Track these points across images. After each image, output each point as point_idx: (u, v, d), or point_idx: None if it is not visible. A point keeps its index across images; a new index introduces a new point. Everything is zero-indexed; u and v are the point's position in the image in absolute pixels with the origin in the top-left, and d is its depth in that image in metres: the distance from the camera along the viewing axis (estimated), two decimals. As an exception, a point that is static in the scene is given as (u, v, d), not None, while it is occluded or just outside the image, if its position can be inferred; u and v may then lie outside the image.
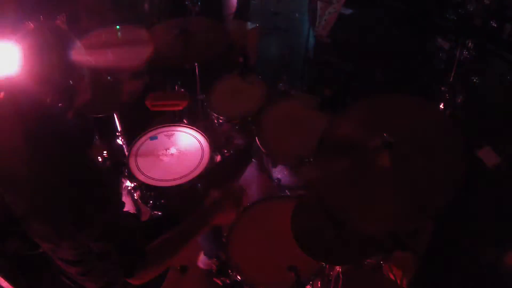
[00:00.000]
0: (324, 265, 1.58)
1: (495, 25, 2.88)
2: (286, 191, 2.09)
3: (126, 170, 2.01)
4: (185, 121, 2.71)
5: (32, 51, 1.05)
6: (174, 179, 1.93)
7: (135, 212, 2.17)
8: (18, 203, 1.16)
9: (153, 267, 1.24)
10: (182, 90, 2.42)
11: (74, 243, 1.16)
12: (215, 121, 2.26)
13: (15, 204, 1.18)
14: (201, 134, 2.14)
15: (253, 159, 2.25)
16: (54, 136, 1.10)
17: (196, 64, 2.48)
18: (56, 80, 1.05)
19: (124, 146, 2.46)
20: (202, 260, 2.15)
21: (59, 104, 1.07)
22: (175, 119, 2.80)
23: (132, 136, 2.18)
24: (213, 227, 1.78)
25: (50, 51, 1.04)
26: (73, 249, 1.18)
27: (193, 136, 2.14)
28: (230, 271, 1.58)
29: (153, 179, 1.94)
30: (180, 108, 2.51)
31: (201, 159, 2.02)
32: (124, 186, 2.10)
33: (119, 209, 1.18)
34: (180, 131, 2.18)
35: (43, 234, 1.18)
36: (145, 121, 2.89)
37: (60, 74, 1.05)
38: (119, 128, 2.39)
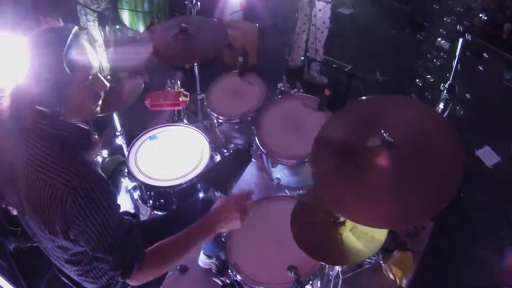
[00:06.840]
0: (324, 265, 1.58)
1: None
2: (286, 191, 2.09)
3: (126, 170, 2.00)
4: (185, 121, 2.71)
5: (33, 51, 1.05)
6: (174, 179, 1.93)
7: (135, 212, 2.17)
8: (16, 201, 1.16)
9: (151, 270, 1.22)
10: (182, 90, 2.41)
11: (68, 244, 1.15)
12: (215, 121, 2.26)
13: (14, 202, 1.18)
14: (201, 134, 2.14)
15: (253, 159, 2.25)
16: (53, 137, 1.10)
17: (195, 64, 2.47)
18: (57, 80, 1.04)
19: (124, 146, 2.46)
20: (202, 260, 2.15)
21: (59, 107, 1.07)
22: (175, 119, 2.80)
23: (132, 136, 2.18)
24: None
25: (50, 51, 1.04)
26: (68, 250, 1.18)
27: (193, 136, 2.14)
28: (230, 271, 1.58)
29: (152, 178, 1.94)
30: (180, 108, 2.51)
31: (201, 159, 2.02)
32: (124, 186, 2.09)
33: (116, 213, 1.16)
34: (179, 131, 2.17)
35: (39, 233, 1.18)
36: (145, 121, 2.90)
37: (61, 75, 1.04)
38: (119, 128, 2.39)
